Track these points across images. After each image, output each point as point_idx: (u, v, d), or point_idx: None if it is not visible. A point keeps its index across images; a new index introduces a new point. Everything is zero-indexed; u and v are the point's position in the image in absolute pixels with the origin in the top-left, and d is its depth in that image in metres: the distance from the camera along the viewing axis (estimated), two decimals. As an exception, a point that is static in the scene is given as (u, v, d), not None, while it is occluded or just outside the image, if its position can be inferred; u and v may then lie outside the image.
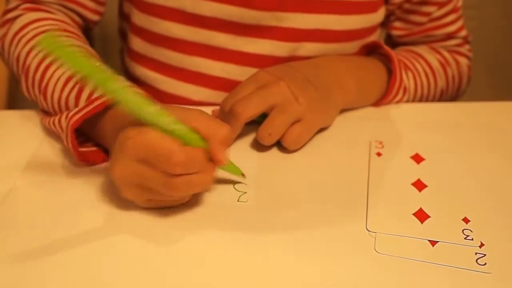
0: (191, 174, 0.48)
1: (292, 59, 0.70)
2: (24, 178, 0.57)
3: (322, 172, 0.58)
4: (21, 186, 0.56)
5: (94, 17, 0.73)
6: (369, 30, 0.75)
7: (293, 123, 0.59)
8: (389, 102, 0.70)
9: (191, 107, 0.51)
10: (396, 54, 0.70)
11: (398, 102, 0.70)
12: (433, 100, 0.75)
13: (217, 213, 0.52)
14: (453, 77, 0.76)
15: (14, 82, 0.84)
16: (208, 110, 0.62)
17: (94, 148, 0.58)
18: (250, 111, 0.57)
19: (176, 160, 0.46)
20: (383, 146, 0.61)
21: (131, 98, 0.47)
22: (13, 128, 0.65)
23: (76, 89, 0.58)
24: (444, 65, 0.75)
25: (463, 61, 0.78)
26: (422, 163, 0.59)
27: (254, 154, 0.60)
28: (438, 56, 0.76)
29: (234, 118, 0.57)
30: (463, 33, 0.79)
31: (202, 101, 0.73)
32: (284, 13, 0.68)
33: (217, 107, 0.62)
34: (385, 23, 0.79)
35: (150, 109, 0.48)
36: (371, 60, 0.71)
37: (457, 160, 0.60)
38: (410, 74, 0.71)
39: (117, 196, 0.53)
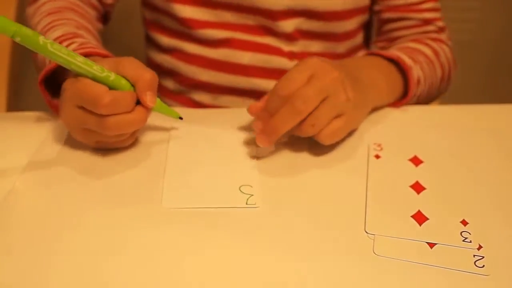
0: (120, 114, 0.54)
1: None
2: (24, 180, 0.57)
3: (321, 175, 0.58)
4: (21, 188, 0.56)
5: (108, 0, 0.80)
6: (353, 13, 0.78)
7: (335, 117, 0.58)
8: (410, 100, 0.70)
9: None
10: (399, 53, 0.71)
11: (415, 96, 0.71)
12: (436, 90, 0.76)
13: (227, 217, 0.52)
14: (444, 64, 0.78)
15: (14, 84, 0.84)
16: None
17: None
18: (310, 107, 0.56)
19: (102, 102, 0.53)
20: (381, 149, 0.62)
21: (58, 53, 0.53)
22: (13, 130, 0.65)
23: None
24: (436, 53, 0.77)
25: (447, 49, 0.79)
26: (421, 165, 0.59)
27: (255, 156, 0.60)
28: (428, 47, 0.77)
29: (296, 114, 0.56)
30: (440, 23, 0.80)
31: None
32: None
33: (256, 102, 0.60)
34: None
35: (78, 60, 0.54)
36: (389, 63, 0.71)
37: (456, 163, 0.60)
38: (418, 67, 0.72)
39: (117, 197, 0.53)
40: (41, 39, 0.52)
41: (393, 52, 0.71)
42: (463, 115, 0.69)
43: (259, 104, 0.60)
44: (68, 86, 0.56)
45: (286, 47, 0.80)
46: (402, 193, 0.56)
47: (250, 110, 0.61)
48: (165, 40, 0.82)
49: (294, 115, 0.56)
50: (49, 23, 0.71)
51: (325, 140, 0.58)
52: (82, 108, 0.55)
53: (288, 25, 0.78)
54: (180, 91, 0.83)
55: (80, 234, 0.50)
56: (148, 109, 0.57)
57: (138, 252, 0.48)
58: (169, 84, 0.84)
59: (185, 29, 0.79)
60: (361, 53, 0.85)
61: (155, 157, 0.60)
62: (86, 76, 0.55)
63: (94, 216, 0.52)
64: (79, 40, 0.65)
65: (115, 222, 0.51)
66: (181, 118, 0.62)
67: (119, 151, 0.60)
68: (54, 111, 0.64)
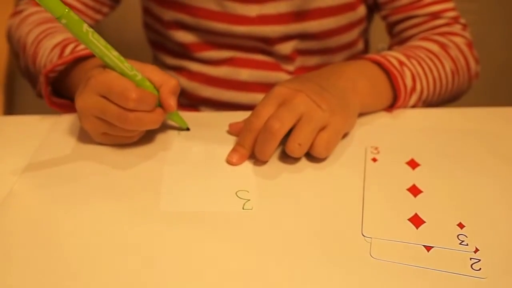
0: (141, 111, 0.56)
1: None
2: (22, 183, 0.57)
3: (319, 178, 0.58)
4: (19, 191, 0.56)
5: (89, 23, 0.80)
6: (348, 27, 0.79)
7: (319, 131, 0.59)
8: (406, 100, 0.69)
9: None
10: (390, 52, 0.71)
11: (413, 92, 0.69)
12: (449, 84, 0.75)
13: (225, 221, 0.52)
14: (457, 57, 0.76)
15: (10, 88, 0.84)
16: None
17: (63, 101, 0.67)
18: (286, 126, 0.58)
19: (130, 96, 0.55)
20: (378, 152, 0.62)
21: (96, 42, 0.55)
22: (11, 134, 0.65)
23: (58, 52, 0.67)
24: (443, 46, 0.75)
25: (460, 40, 0.78)
26: (417, 168, 0.59)
27: (252, 161, 0.60)
28: (434, 42, 0.76)
29: (272, 135, 0.57)
30: (451, 13, 0.79)
31: None
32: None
33: (236, 122, 0.63)
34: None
35: (113, 54, 0.56)
36: (373, 65, 0.71)
37: (452, 165, 0.60)
38: (414, 61, 0.71)
39: (115, 200, 0.53)
40: (85, 26, 0.54)
41: (380, 54, 0.70)
42: (460, 118, 0.69)
43: (240, 124, 0.62)
44: (95, 74, 0.57)
45: (284, 64, 0.81)
46: (399, 196, 0.56)
47: (230, 129, 0.64)
48: (169, 59, 0.84)
49: (271, 136, 0.57)
50: (44, 31, 0.72)
51: (321, 153, 0.59)
52: (104, 97, 0.57)
53: (286, 47, 0.80)
54: (184, 104, 0.85)
55: (78, 237, 0.50)
56: (165, 113, 0.59)
57: (136, 254, 0.48)
58: None
59: (186, 52, 0.80)
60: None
61: (154, 161, 0.60)
62: (115, 70, 0.57)
63: (92, 219, 0.52)
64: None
65: (113, 226, 0.51)
66: (188, 129, 0.64)
67: (117, 154, 0.61)
68: (51, 106, 0.66)
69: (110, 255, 0.49)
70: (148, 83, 0.59)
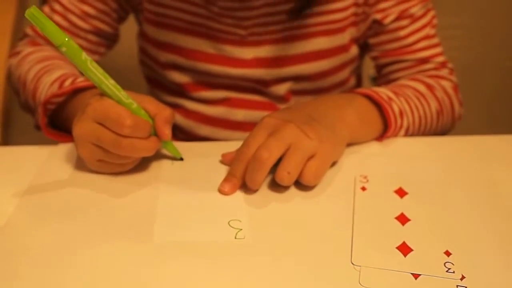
0: (136, 138, 0.58)
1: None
2: (19, 213, 0.58)
3: (309, 207, 0.59)
4: (16, 221, 0.57)
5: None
6: (341, 67, 0.81)
7: (308, 160, 0.60)
8: (395, 132, 0.71)
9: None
10: (379, 88, 0.73)
11: (401, 128, 0.71)
12: (434, 123, 0.77)
13: (217, 251, 0.53)
14: (443, 98, 0.78)
15: (7, 119, 0.86)
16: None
17: (60, 132, 0.69)
18: (275, 155, 0.59)
19: (125, 123, 0.57)
20: (367, 181, 0.63)
21: (94, 70, 0.57)
22: (8, 164, 0.67)
23: (57, 85, 0.69)
24: (430, 88, 0.78)
25: (447, 84, 0.80)
26: (405, 197, 0.61)
27: (243, 190, 0.61)
28: (421, 83, 0.78)
29: (261, 165, 0.59)
30: (440, 59, 0.82)
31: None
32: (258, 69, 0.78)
33: (228, 152, 0.65)
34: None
35: (110, 82, 0.58)
36: (362, 97, 0.73)
37: (439, 194, 0.61)
38: (402, 99, 0.73)
39: (110, 231, 0.54)
40: (84, 55, 0.56)
41: (370, 88, 0.72)
42: (448, 146, 0.71)
43: (232, 154, 0.64)
44: (93, 101, 0.59)
45: (279, 104, 0.83)
46: (388, 225, 0.57)
47: (222, 159, 0.65)
48: (165, 96, 0.86)
49: (261, 166, 0.59)
50: (43, 68, 0.74)
51: (309, 181, 0.60)
52: (100, 124, 0.58)
53: (280, 89, 0.82)
54: (181, 140, 0.86)
55: (73, 267, 0.51)
56: (160, 141, 0.61)
57: (130, 284, 0.49)
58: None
59: (182, 91, 0.83)
60: None
61: (148, 190, 0.61)
62: (111, 98, 0.58)
63: (87, 250, 0.53)
64: (83, 77, 0.67)
65: (108, 257, 0.52)
66: (181, 159, 0.66)
67: (112, 183, 0.62)
68: (47, 135, 0.68)
69: (104, 285, 0.49)
70: (143, 112, 0.60)
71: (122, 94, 0.59)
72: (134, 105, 0.59)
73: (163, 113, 0.61)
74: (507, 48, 1.55)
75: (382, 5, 0.79)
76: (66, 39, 0.54)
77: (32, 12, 0.53)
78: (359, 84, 0.91)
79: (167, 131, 0.60)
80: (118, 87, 0.59)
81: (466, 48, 1.52)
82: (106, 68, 0.84)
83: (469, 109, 0.88)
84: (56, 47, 0.55)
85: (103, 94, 0.59)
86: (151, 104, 0.61)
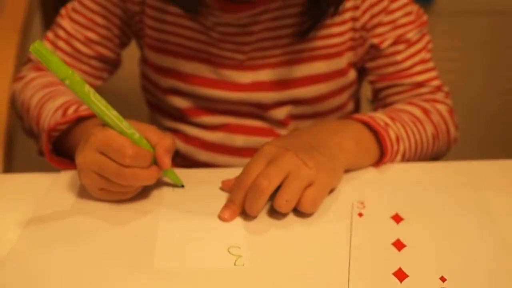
0: (137, 168, 0.60)
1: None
2: (23, 241, 0.59)
3: (306, 233, 0.60)
4: (20, 249, 0.58)
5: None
6: (339, 91, 0.83)
7: (306, 188, 0.62)
8: (391, 158, 0.72)
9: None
10: (376, 114, 0.74)
11: (398, 153, 0.72)
12: (430, 147, 0.78)
13: (216, 278, 0.55)
14: (439, 122, 0.80)
15: (10, 146, 0.87)
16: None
17: (63, 158, 0.70)
18: (274, 184, 0.61)
19: (127, 153, 0.59)
20: (364, 207, 0.64)
21: (97, 102, 0.59)
22: (11, 191, 0.68)
23: (60, 112, 0.71)
24: (426, 112, 0.79)
25: (442, 107, 0.82)
26: (401, 223, 0.62)
27: (243, 217, 0.63)
28: (418, 107, 0.80)
29: (260, 193, 0.60)
30: (435, 83, 0.83)
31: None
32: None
33: (228, 179, 0.66)
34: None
35: (112, 113, 0.60)
36: (359, 124, 0.74)
37: (435, 219, 0.62)
38: (398, 124, 0.74)
39: (113, 257, 0.56)
40: (87, 87, 0.58)
41: (367, 114, 0.74)
42: (444, 172, 0.72)
43: (232, 181, 0.65)
44: (96, 132, 0.61)
45: (278, 129, 0.84)
46: (384, 251, 0.58)
47: (223, 186, 0.66)
48: (166, 121, 0.87)
49: (260, 194, 0.60)
50: (46, 94, 0.76)
51: (307, 209, 0.62)
52: (103, 154, 0.60)
53: (279, 113, 0.83)
54: (182, 166, 0.87)
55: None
56: (160, 170, 0.62)
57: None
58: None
59: (182, 116, 0.84)
60: None
61: (149, 217, 0.63)
62: (114, 129, 0.60)
63: (89, 277, 0.54)
64: (85, 106, 0.69)
65: (109, 283, 0.54)
66: (182, 186, 0.67)
67: (114, 210, 0.63)
68: (51, 162, 0.69)
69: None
70: (145, 141, 0.62)
71: (124, 124, 0.60)
72: (136, 135, 0.61)
73: (164, 143, 0.62)
74: (504, 71, 1.57)
75: (379, 30, 0.80)
76: (70, 72, 0.56)
77: (37, 47, 0.55)
78: (357, 108, 0.93)
79: (166, 161, 0.62)
80: (120, 117, 0.60)
81: (463, 70, 1.54)
82: (108, 92, 0.86)
83: (465, 132, 0.89)
84: (59, 80, 0.57)
85: (105, 124, 0.61)
86: (152, 133, 0.63)
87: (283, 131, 0.85)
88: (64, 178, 0.69)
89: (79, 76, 0.57)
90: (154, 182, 0.63)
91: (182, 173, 0.68)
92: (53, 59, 0.55)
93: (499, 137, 1.54)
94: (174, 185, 0.67)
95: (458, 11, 1.53)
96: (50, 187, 0.67)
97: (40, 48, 0.55)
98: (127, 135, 0.61)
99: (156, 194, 0.66)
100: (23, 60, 0.97)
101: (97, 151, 0.60)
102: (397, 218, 0.63)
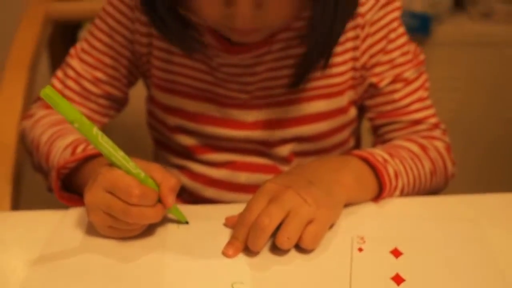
0: (143, 206, 0.62)
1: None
2: (32, 278, 0.61)
3: (307, 269, 0.62)
4: (29, 286, 0.59)
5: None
6: (341, 128, 0.85)
7: (306, 224, 0.64)
8: (390, 193, 0.74)
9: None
10: (375, 150, 0.76)
11: (396, 189, 0.74)
12: (427, 183, 0.80)
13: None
14: (436, 158, 0.81)
15: (18, 182, 0.89)
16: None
17: (72, 195, 0.72)
18: (275, 222, 0.63)
19: (133, 192, 0.61)
20: (364, 242, 0.66)
21: (105, 144, 0.62)
22: (21, 228, 0.70)
23: (70, 150, 0.73)
24: (424, 148, 0.81)
25: (440, 144, 0.84)
26: (400, 257, 0.64)
27: (246, 253, 0.64)
28: (415, 143, 0.82)
29: (262, 231, 0.62)
30: (433, 120, 0.85)
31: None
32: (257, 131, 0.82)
33: (232, 216, 0.68)
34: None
35: (119, 154, 0.62)
36: (358, 160, 0.76)
37: (433, 253, 0.64)
38: (397, 160, 0.76)
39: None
40: (95, 129, 0.61)
41: (366, 150, 0.76)
42: (444, 206, 0.73)
43: (235, 218, 0.67)
44: (103, 171, 0.63)
45: (281, 166, 0.87)
46: (383, 285, 0.60)
47: (226, 222, 0.68)
48: (172, 158, 0.90)
49: (262, 232, 0.62)
50: (55, 132, 0.78)
51: (309, 245, 0.64)
52: (110, 193, 0.62)
53: (283, 150, 0.86)
54: (188, 202, 0.90)
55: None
56: (165, 208, 0.64)
57: None
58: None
59: (188, 153, 0.87)
60: None
61: (155, 253, 0.64)
62: (121, 169, 0.63)
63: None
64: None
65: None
66: (187, 223, 0.69)
67: (121, 247, 0.65)
68: (60, 200, 0.71)
69: None
70: (150, 181, 0.64)
71: (130, 165, 0.63)
72: (142, 175, 0.63)
73: (168, 183, 0.64)
74: (505, 101, 1.59)
75: (378, 70, 0.83)
76: (79, 116, 0.59)
77: (47, 92, 0.57)
78: (358, 145, 0.95)
79: (170, 200, 0.64)
80: (127, 158, 0.63)
81: (462, 99, 1.56)
82: (114, 125, 0.88)
83: (464, 160, 0.91)
84: (69, 122, 0.59)
85: (113, 164, 0.63)
86: (157, 172, 0.65)
87: (286, 168, 0.87)
88: (72, 215, 0.70)
89: (87, 119, 0.60)
90: (159, 220, 0.65)
91: (188, 209, 0.70)
92: (62, 104, 0.58)
93: (499, 164, 1.56)
94: (179, 222, 0.69)
95: (456, 42, 1.55)
96: (58, 224, 0.69)
97: (50, 93, 0.57)
98: (133, 175, 0.63)
99: (162, 230, 0.68)
100: (31, 96, 1.00)
101: (105, 190, 0.63)
102: (396, 253, 0.64)
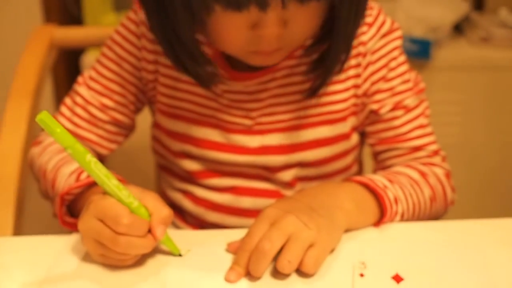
0: (132, 236, 0.62)
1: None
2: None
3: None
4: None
5: (105, 152, 0.88)
6: (343, 154, 0.86)
7: (307, 249, 0.64)
8: (390, 218, 0.74)
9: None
10: (375, 176, 0.77)
11: (396, 214, 0.75)
12: (427, 209, 0.80)
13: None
14: (436, 185, 0.82)
15: (21, 208, 0.90)
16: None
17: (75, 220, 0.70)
18: (276, 246, 0.63)
19: (121, 221, 0.61)
20: (365, 267, 0.66)
21: (97, 172, 0.62)
22: (23, 254, 0.70)
23: (74, 177, 0.74)
24: (423, 175, 0.82)
25: (439, 171, 0.84)
26: (402, 282, 0.64)
27: (247, 278, 0.65)
28: (415, 170, 0.82)
29: (263, 256, 0.63)
30: (433, 147, 0.86)
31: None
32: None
33: (234, 241, 0.69)
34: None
35: (112, 182, 0.62)
36: (358, 185, 0.76)
37: (435, 279, 0.64)
38: (397, 186, 0.77)
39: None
40: (88, 156, 0.61)
41: (366, 176, 0.77)
42: (445, 231, 0.73)
43: (237, 243, 0.68)
44: (96, 199, 0.64)
45: (284, 191, 0.87)
46: (385, 311, 0.60)
47: (228, 248, 0.69)
48: (175, 183, 0.90)
49: (263, 256, 0.63)
50: (61, 159, 0.80)
51: (309, 269, 0.64)
52: (101, 221, 0.63)
53: (286, 175, 0.86)
54: (193, 225, 0.90)
55: None
56: (156, 240, 0.64)
57: None
58: (178, 222, 0.91)
59: (192, 178, 0.88)
60: None
61: (154, 281, 0.65)
62: (113, 197, 0.63)
63: None
64: None
65: None
66: (180, 255, 0.68)
67: (119, 275, 0.65)
68: (63, 225, 0.72)
69: None
70: (143, 210, 0.64)
71: (123, 193, 0.63)
72: (134, 204, 0.63)
73: (159, 214, 0.64)
74: (505, 125, 1.60)
75: (378, 97, 0.84)
76: (72, 142, 0.60)
77: (42, 118, 0.58)
78: (360, 171, 0.95)
79: (159, 232, 0.64)
80: (120, 186, 0.63)
81: (463, 123, 1.56)
82: (119, 148, 0.89)
83: (465, 183, 0.91)
84: (63, 148, 0.60)
85: (106, 192, 0.64)
86: (151, 202, 0.65)
87: (289, 193, 0.87)
88: (74, 240, 0.71)
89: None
90: (149, 250, 0.65)
91: (189, 235, 0.71)
92: (57, 129, 0.59)
93: (500, 188, 1.56)
94: (172, 254, 0.69)
95: (456, 66, 1.56)
96: (61, 250, 0.69)
97: (45, 118, 0.58)
98: (125, 204, 0.63)
99: (163, 255, 0.68)
100: (35, 122, 1.00)
101: (96, 218, 0.63)
102: (397, 278, 0.64)
